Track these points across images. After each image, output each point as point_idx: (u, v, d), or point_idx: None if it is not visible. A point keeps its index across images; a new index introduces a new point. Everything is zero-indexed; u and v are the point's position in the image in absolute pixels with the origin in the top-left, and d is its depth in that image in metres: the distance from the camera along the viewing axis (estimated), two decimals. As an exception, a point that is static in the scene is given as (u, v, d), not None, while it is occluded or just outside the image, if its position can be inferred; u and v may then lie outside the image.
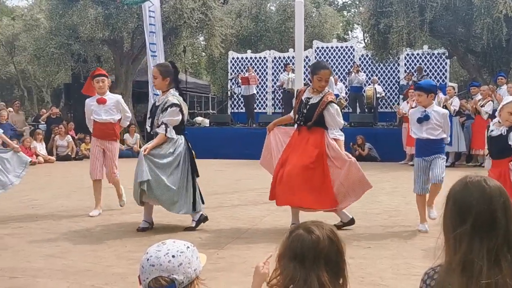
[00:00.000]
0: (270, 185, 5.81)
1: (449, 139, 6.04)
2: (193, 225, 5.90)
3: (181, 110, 5.78)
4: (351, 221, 5.92)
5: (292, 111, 6.11)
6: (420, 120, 5.83)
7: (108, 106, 6.88)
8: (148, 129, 6.10)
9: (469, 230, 1.69)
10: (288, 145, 5.91)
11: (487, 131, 5.22)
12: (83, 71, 17.47)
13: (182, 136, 5.88)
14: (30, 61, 19.41)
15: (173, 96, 5.81)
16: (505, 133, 5.01)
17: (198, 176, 5.97)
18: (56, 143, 15.65)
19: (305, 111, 5.73)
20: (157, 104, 5.90)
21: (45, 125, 17.16)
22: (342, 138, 5.74)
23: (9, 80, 25.60)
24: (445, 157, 6.07)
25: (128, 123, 7.47)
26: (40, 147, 15.07)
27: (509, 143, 5.03)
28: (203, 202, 6.01)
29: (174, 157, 5.73)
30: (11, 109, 17.12)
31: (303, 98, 5.81)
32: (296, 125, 5.93)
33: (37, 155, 14.61)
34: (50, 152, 15.40)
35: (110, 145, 6.92)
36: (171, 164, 5.72)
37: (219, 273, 4.22)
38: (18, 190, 8.80)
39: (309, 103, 5.73)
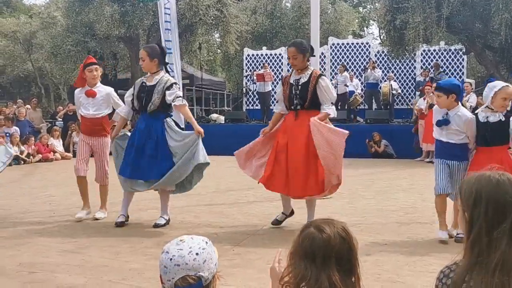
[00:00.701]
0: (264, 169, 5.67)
1: (473, 145, 5.28)
2: (162, 222, 5.91)
3: None
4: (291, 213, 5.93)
5: (280, 102, 5.87)
6: (439, 124, 5.28)
7: (97, 100, 6.34)
8: (133, 108, 5.97)
9: (508, 228, 1.67)
10: (283, 130, 5.69)
11: (477, 118, 5.16)
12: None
13: None
14: (47, 59, 19.61)
15: (168, 76, 5.92)
16: (504, 119, 5.04)
17: None
18: (73, 139, 15.78)
19: (298, 92, 5.60)
20: (149, 84, 5.85)
21: (62, 122, 17.31)
22: (330, 112, 5.56)
23: (27, 78, 25.84)
24: (467, 165, 5.26)
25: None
26: (57, 144, 15.20)
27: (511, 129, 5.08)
28: None
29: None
30: (29, 106, 17.29)
31: (291, 81, 5.68)
32: (289, 111, 5.71)
33: (54, 152, 14.75)
34: (67, 149, 15.53)
35: (97, 142, 6.40)
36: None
37: (235, 269, 4.23)
38: (36, 187, 8.90)
39: (300, 83, 5.63)
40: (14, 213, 6.69)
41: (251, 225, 6.02)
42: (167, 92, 5.79)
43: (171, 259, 1.81)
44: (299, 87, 5.60)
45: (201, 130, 5.72)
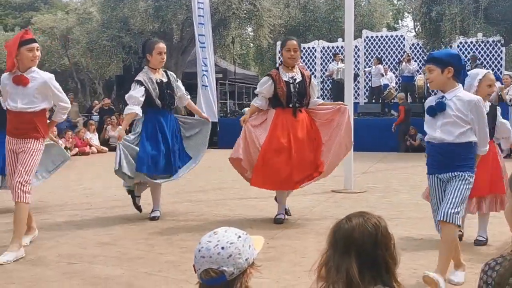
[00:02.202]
0: (265, 171, 5.58)
1: (486, 147, 3.79)
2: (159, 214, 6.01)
3: None
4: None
5: (262, 97, 5.72)
6: (432, 112, 3.73)
7: (29, 90, 4.62)
8: (160, 105, 5.78)
9: None
10: (281, 127, 5.57)
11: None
12: (134, 63, 17.78)
13: None
14: (83, 54, 19.92)
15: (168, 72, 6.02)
16: (489, 109, 4.52)
17: None
18: (108, 133, 16.02)
19: (297, 90, 5.61)
20: (165, 80, 5.84)
21: (98, 116, 17.59)
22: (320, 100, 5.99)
23: (64, 73, 26.29)
24: (471, 178, 3.64)
25: (65, 116, 5.13)
26: (93, 138, 15.46)
27: (500, 121, 4.78)
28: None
29: None
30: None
31: (286, 79, 5.62)
32: (285, 108, 5.65)
33: (90, 146, 15.00)
34: (103, 143, 15.78)
35: (25, 146, 4.65)
36: None
37: (269, 262, 4.24)
38: (74, 179, 9.08)
39: (296, 81, 5.64)
40: (53, 205, 6.84)
41: (285, 218, 6.03)
42: (179, 85, 5.94)
43: (199, 250, 1.83)
44: (297, 85, 5.62)
45: (208, 117, 6.26)
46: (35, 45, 4.66)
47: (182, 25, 18.13)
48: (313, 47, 20.47)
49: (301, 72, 5.71)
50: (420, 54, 18.95)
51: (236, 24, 18.27)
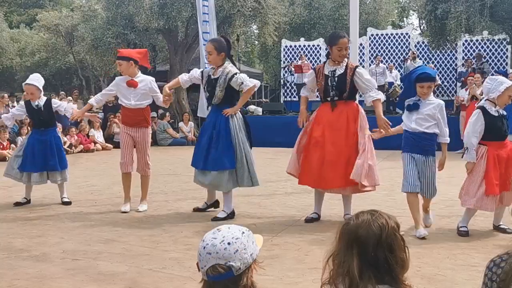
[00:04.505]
0: (303, 168, 5.66)
1: (446, 138, 5.25)
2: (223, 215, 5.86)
3: None
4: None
5: (307, 89, 5.91)
6: (410, 108, 5.16)
7: (138, 91, 6.40)
8: (205, 104, 6.14)
9: None
10: (317, 121, 5.64)
11: (487, 111, 5.04)
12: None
13: None
14: (88, 51, 19.91)
15: (232, 67, 5.89)
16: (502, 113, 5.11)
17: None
18: (113, 130, 16.04)
19: (334, 83, 5.56)
20: (213, 77, 5.85)
21: (102, 113, 17.61)
22: (380, 96, 5.61)
23: (69, 70, 26.31)
24: (435, 161, 5.22)
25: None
26: (98, 135, 15.47)
27: None
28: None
29: None
30: (70, 98, 17.65)
31: (326, 72, 5.63)
32: (324, 102, 5.69)
33: (95, 143, 15.02)
34: (107, 140, 15.79)
35: (139, 134, 6.45)
36: None
37: (273, 260, 4.24)
38: (78, 176, 9.09)
39: (336, 75, 5.58)
40: (58, 202, 6.86)
41: (289, 216, 6.03)
42: (231, 83, 5.78)
43: (204, 247, 1.84)
44: (336, 78, 5.58)
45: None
46: (119, 61, 6.30)
47: (187, 23, 18.11)
48: (318, 45, 20.44)
49: (346, 65, 5.61)
50: (425, 52, 18.90)
51: (241, 22, 18.23)
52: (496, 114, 5.04)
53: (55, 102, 6.92)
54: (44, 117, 6.72)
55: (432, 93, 5.23)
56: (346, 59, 5.69)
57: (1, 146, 12.64)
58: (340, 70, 5.59)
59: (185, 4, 16.97)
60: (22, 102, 7.19)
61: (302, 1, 23.54)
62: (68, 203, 6.73)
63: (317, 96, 6.05)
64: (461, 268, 4.09)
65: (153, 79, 6.52)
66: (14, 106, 15.50)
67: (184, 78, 6.11)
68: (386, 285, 1.79)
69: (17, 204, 6.70)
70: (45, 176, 6.73)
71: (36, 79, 6.73)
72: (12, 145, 13.16)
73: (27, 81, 6.77)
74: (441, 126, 5.15)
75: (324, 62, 5.79)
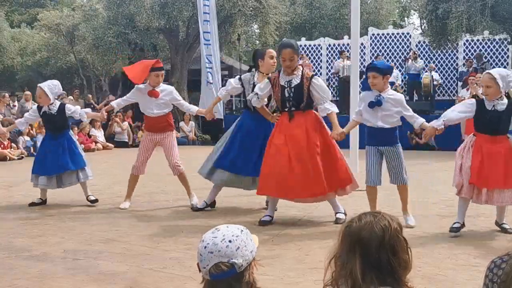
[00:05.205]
0: (263, 175, 5.50)
1: (419, 120, 5.33)
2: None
3: None
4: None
5: (260, 99, 5.65)
6: (372, 105, 5.24)
7: (160, 100, 6.50)
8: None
9: None
10: (278, 130, 5.52)
11: (480, 106, 5.01)
12: (139, 60, 17.76)
13: None
14: (89, 51, 19.93)
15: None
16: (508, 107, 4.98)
17: None
18: (114, 130, 16.05)
19: (291, 94, 5.46)
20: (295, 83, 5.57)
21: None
22: (335, 109, 5.50)
23: (70, 70, 26.30)
24: (400, 147, 5.39)
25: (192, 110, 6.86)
26: (99, 134, 15.49)
27: None
28: None
29: None
30: (71, 97, 17.65)
31: (282, 83, 5.50)
32: (282, 112, 5.59)
33: (96, 142, 15.03)
34: (108, 139, 15.81)
35: (163, 137, 6.60)
36: None
37: (273, 259, 4.24)
38: (79, 176, 9.08)
39: (292, 85, 5.47)
40: (59, 202, 6.87)
41: (290, 216, 6.03)
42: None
43: (205, 247, 1.86)
44: (293, 89, 5.47)
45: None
46: (161, 72, 6.44)
47: (188, 22, 18.13)
48: (319, 45, 20.44)
49: (302, 75, 5.49)
50: (426, 52, 18.89)
51: (242, 21, 18.25)
52: (500, 109, 4.98)
53: (69, 108, 6.80)
54: (57, 123, 6.68)
55: (388, 86, 5.36)
56: (299, 67, 5.58)
57: (2, 146, 12.65)
58: (296, 80, 5.47)
59: (186, 4, 16.99)
60: (34, 107, 7.14)
61: (303, 1, 23.54)
62: (95, 201, 6.69)
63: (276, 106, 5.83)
64: (462, 268, 4.08)
65: (173, 88, 6.72)
66: (14, 106, 15.54)
67: (223, 94, 6.32)
68: (389, 286, 1.78)
69: (32, 204, 6.70)
70: (54, 181, 6.63)
71: (48, 85, 6.68)
72: (13, 145, 13.18)
73: (41, 84, 6.74)
74: (409, 117, 5.33)
75: (279, 72, 5.65)
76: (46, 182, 6.62)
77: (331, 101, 5.63)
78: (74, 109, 6.89)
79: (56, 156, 6.57)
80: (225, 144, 6.16)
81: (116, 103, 6.85)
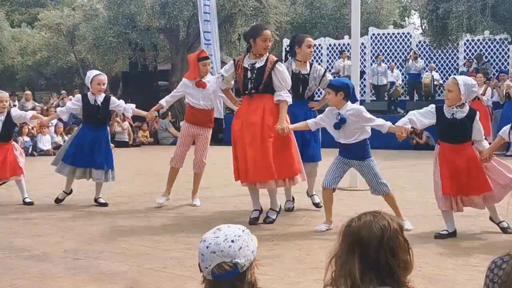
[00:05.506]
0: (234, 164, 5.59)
1: (385, 124, 5.22)
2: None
3: None
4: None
5: (225, 81, 5.77)
6: (337, 126, 5.17)
7: (207, 91, 6.47)
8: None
9: None
10: (237, 115, 5.61)
11: (440, 114, 5.01)
12: (140, 60, 17.79)
13: None
14: (89, 50, 19.93)
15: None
16: (467, 114, 4.94)
17: None
18: (114, 129, 16.05)
19: (253, 76, 5.46)
20: (303, 72, 6.00)
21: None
22: (288, 99, 5.44)
23: (70, 69, 26.30)
24: (373, 160, 5.28)
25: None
26: (99, 134, 15.47)
27: (477, 127, 4.98)
28: None
29: None
30: (71, 97, 17.65)
31: (246, 65, 5.52)
32: (243, 95, 5.63)
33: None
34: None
35: (202, 132, 6.57)
36: None
37: (273, 259, 4.24)
38: (79, 175, 9.08)
39: (255, 67, 5.48)
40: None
41: (290, 216, 6.03)
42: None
43: (207, 247, 1.85)
44: (255, 71, 5.49)
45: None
46: (208, 61, 6.51)
47: (188, 22, 18.13)
48: (319, 44, 20.41)
49: (267, 59, 5.50)
50: (426, 52, 18.87)
51: (242, 21, 18.24)
52: (459, 117, 4.94)
53: (114, 101, 6.69)
54: (100, 115, 6.57)
55: (347, 102, 5.17)
56: (267, 53, 5.59)
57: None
58: (260, 63, 5.50)
59: (186, 4, 16.99)
60: (78, 95, 6.99)
61: (303, 1, 23.52)
62: (105, 205, 6.57)
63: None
64: (462, 268, 4.08)
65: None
66: (15, 105, 15.53)
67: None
68: (388, 287, 1.78)
69: (58, 200, 6.70)
70: (87, 173, 6.55)
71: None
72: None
73: (97, 73, 6.66)
74: (375, 127, 5.25)
75: (244, 55, 5.68)
76: (82, 174, 6.57)
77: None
78: (118, 102, 6.77)
79: (93, 151, 6.45)
80: None
81: (165, 100, 6.77)
